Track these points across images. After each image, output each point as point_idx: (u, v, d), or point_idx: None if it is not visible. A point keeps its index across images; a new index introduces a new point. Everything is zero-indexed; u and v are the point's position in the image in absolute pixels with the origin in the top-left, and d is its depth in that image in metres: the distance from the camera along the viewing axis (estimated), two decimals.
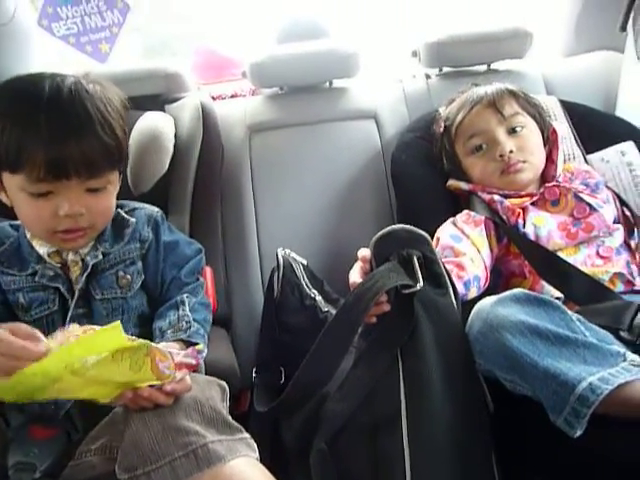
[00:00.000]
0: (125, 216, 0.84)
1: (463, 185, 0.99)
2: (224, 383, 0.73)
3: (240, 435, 0.65)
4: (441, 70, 1.29)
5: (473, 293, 0.80)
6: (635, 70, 1.17)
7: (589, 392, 0.56)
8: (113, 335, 0.57)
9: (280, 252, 0.97)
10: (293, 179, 1.18)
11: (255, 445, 0.66)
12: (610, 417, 0.57)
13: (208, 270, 1.00)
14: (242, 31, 1.70)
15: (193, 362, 0.64)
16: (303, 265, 0.98)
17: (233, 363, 0.85)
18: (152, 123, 1.04)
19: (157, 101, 1.18)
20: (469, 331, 0.68)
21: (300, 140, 1.21)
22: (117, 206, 0.85)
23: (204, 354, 0.66)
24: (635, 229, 0.92)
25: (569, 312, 0.65)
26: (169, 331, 0.78)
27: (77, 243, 0.77)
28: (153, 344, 0.61)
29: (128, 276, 0.81)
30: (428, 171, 1.04)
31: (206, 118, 1.10)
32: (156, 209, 0.89)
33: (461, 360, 0.67)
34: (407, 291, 0.64)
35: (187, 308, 0.82)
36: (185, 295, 0.84)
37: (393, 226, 0.71)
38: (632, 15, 1.22)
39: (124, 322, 0.79)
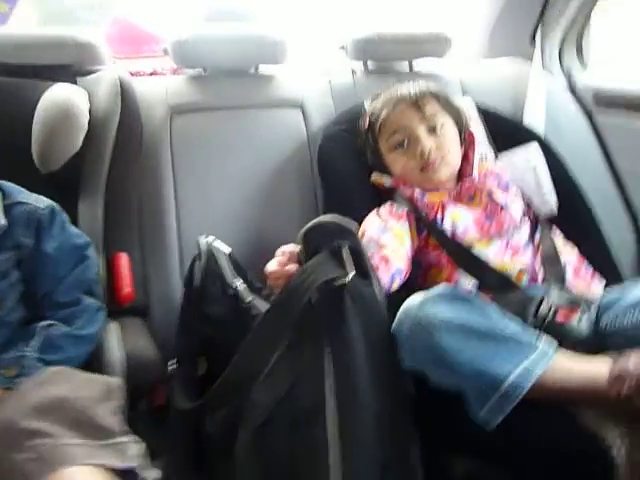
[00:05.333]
0: None
1: (386, 180, 1.02)
2: (114, 381, 0.68)
3: (114, 439, 0.60)
4: (365, 64, 1.32)
5: (396, 285, 0.84)
6: (541, 79, 1.27)
7: (512, 388, 0.62)
8: None
9: (202, 240, 0.94)
10: (216, 165, 1.15)
11: (135, 449, 0.62)
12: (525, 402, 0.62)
13: (124, 257, 0.95)
14: (161, 4, 1.62)
15: None
16: (226, 254, 0.96)
17: (155, 354, 0.82)
18: (63, 96, 0.97)
19: (68, 72, 1.09)
20: (398, 329, 0.71)
21: (225, 125, 1.18)
22: None
23: None
24: (538, 226, 1.01)
25: (489, 305, 0.70)
26: (0, 372, 0.68)
27: None
28: None
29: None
30: (354, 164, 1.05)
31: (124, 95, 1.04)
32: (45, 204, 0.78)
33: (386, 350, 0.70)
34: (338, 283, 0.65)
35: (36, 345, 0.71)
36: (49, 323, 0.73)
37: (322, 217, 0.72)
38: (540, 26, 1.33)
39: None
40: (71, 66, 1.10)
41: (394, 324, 0.72)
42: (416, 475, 0.71)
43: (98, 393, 0.64)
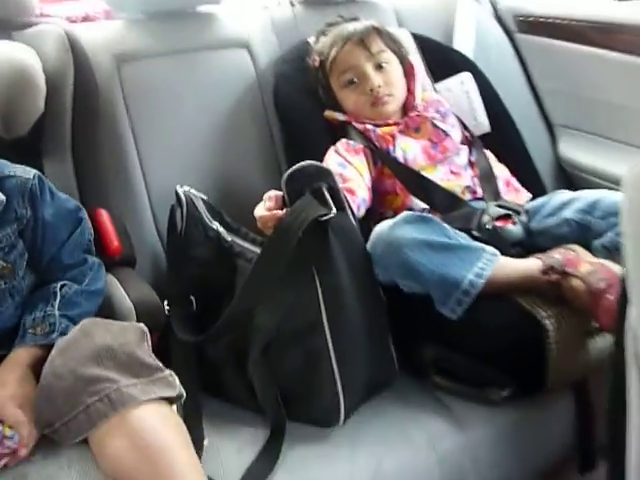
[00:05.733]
0: None
1: (339, 116, 1.11)
2: (142, 326, 0.75)
3: (158, 375, 0.68)
4: None
5: (362, 212, 0.96)
6: (468, 5, 1.36)
7: (470, 286, 0.77)
8: None
9: (180, 189, 1.00)
10: (171, 112, 1.16)
11: (176, 381, 0.70)
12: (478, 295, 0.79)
13: (104, 212, 0.99)
14: None
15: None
16: (202, 199, 1.03)
17: (157, 299, 0.90)
18: (14, 56, 0.94)
19: (2, 27, 1.05)
20: (373, 250, 0.84)
21: (174, 70, 1.18)
22: None
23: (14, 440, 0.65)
24: (473, 148, 1.15)
25: (443, 223, 0.84)
26: (29, 331, 0.74)
27: None
28: None
29: (9, 265, 0.76)
30: (309, 102, 1.13)
31: (74, 49, 1.02)
32: (31, 174, 0.79)
33: (365, 270, 0.84)
34: (323, 219, 0.76)
35: (57, 304, 0.76)
36: (62, 284, 0.79)
37: (302, 163, 0.81)
38: None
39: (10, 307, 0.76)
40: (5, 20, 1.05)
41: (369, 247, 0.85)
42: (393, 362, 0.88)
43: (135, 337, 0.71)
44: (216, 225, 1.02)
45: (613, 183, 1.11)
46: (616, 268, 0.77)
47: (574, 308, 0.80)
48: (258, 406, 0.82)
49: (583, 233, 0.90)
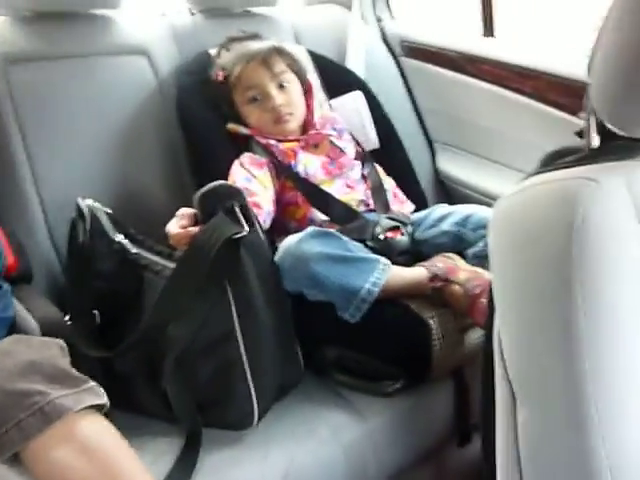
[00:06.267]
0: None
1: (242, 130, 1.16)
2: (60, 341, 0.76)
3: (86, 385, 0.70)
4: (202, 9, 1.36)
5: (268, 224, 1.02)
6: (359, 27, 1.47)
7: (367, 294, 0.87)
8: None
9: (82, 202, 0.98)
10: (67, 121, 1.13)
11: (102, 391, 0.72)
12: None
13: None
14: None
15: None
16: (105, 212, 1.02)
17: (60, 316, 0.88)
18: None
19: None
20: (281, 263, 0.91)
21: (69, 76, 1.14)
22: None
23: None
24: (365, 162, 1.26)
25: (343, 237, 0.93)
26: None
27: None
28: None
29: None
30: (212, 115, 1.16)
31: None
32: None
33: (273, 281, 0.90)
34: (236, 236, 0.81)
35: None
36: None
37: (213, 184, 0.84)
38: None
39: None
40: None
41: (278, 260, 0.92)
42: (299, 364, 0.95)
43: (57, 352, 0.71)
44: (120, 238, 1.02)
45: (484, 196, 1.29)
46: (487, 275, 0.92)
47: (454, 309, 0.93)
48: (173, 416, 0.85)
49: (458, 243, 1.05)
